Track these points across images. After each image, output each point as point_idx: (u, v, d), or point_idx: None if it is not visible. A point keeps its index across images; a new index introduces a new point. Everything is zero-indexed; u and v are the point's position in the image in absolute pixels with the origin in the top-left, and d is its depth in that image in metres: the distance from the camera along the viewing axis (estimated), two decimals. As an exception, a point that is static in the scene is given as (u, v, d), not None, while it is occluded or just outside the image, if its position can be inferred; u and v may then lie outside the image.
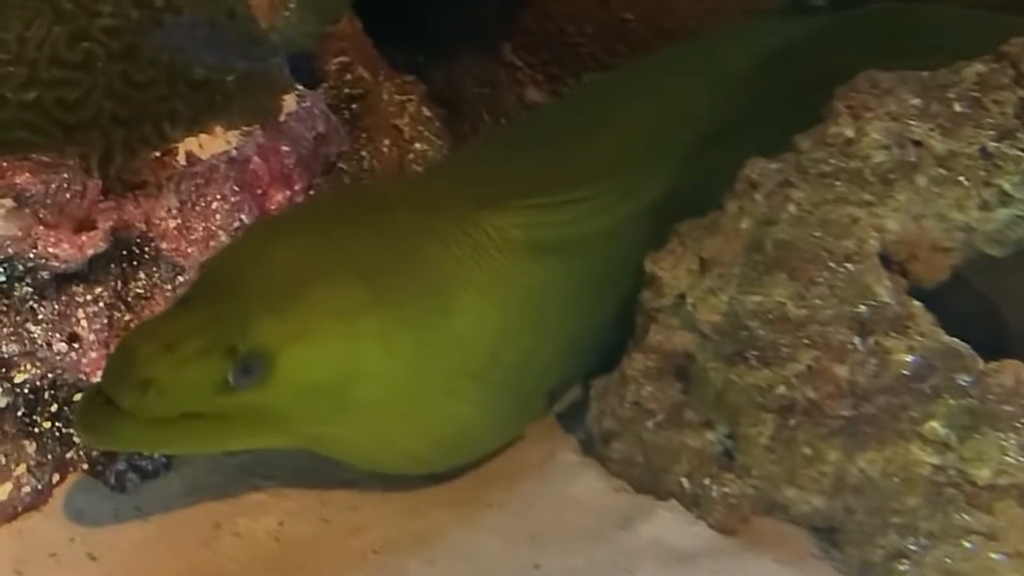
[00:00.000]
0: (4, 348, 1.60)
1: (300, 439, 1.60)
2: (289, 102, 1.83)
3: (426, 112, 2.25)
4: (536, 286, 1.70)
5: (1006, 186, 1.56)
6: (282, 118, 1.81)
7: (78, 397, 1.65)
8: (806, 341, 1.54)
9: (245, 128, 1.75)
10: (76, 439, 1.67)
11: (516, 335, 1.68)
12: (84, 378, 1.64)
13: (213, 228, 1.70)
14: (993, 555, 1.44)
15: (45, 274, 1.61)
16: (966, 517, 1.45)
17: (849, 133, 1.62)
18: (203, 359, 1.47)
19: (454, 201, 1.70)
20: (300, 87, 1.88)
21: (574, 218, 1.74)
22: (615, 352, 1.72)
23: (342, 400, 1.55)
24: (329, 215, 1.69)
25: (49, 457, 1.65)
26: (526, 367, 1.70)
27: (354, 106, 2.15)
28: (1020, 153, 1.56)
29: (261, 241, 1.62)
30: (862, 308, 1.54)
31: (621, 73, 2.23)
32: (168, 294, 1.68)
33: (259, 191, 1.75)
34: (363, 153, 2.14)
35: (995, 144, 1.57)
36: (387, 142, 2.18)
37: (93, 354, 1.64)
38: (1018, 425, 1.46)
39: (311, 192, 1.84)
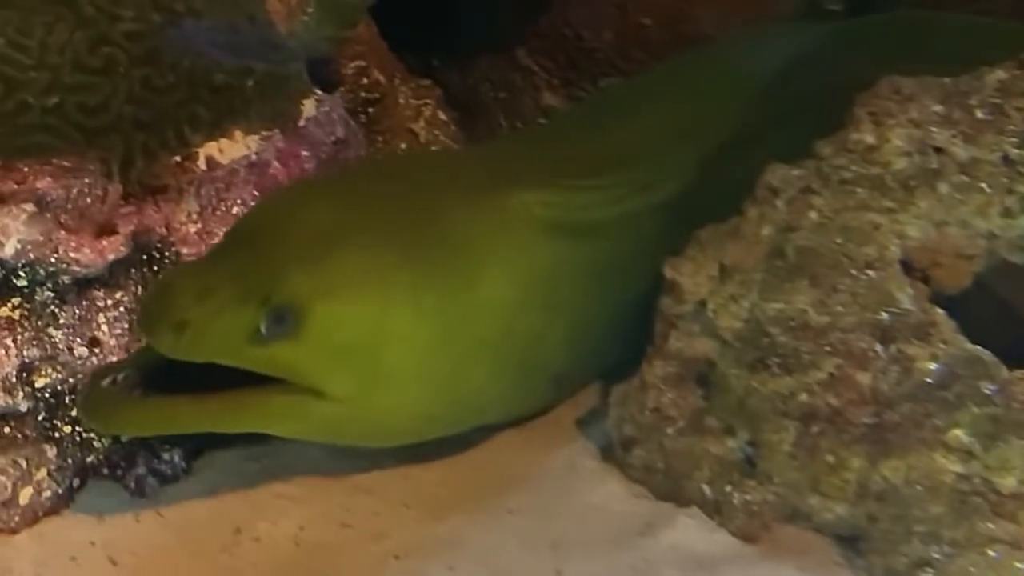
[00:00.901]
0: (25, 353, 1.60)
1: (318, 420, 1.59)
2: (308, 106, 1.83)
3: (442, 116, 2.25)
4: (552, 264, 1.73)
5: (1029, 193, 1.56)
6: (301, 123, 1.81)
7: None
8: (828, 348, 1.54)
9: (265, 133, 1.76)
10: (97, 443, 1.67)
11: (530, 310, 1.70)
12: (105, 383, 1.64)
13: (233, 232, 1.69)
14: (1018, 564, 1.43)
15: (66, 279, 1.61)
16: (990, 526, 1.44)
17: (871, 140, 1.62)
18: (238, 305, 1.51)
19: (481, 175, 1.75)
20: (319, 91, 1.88)
21: (592, 203, 1.77)
22: (630, 354, 1.73)
23: (370, 363, 1.57)
24: (360, 179, 1.75)
25: (70, 461, 1.65)
26: (536, 344, 1.71)
27: (370, 110, 2.15)
28: (1043, 160, 1.56)
29: (293, 200, 1.66)
30: (884, 315, 1.54)
31: (646, 75, 2.24)
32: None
33: (279, 195, 1.75)
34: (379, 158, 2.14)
35: (1017, 151, 1.56)
36: (403, 146, 2.18)
37: (113, 358, 1.64)
38: (1043, 434, 1.46)
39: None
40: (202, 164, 1.69)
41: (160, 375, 1.56)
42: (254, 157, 1.73)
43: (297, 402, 1.57)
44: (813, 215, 1.60)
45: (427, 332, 1.61)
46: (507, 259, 1.68)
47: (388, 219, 1.62)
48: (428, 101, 2.23)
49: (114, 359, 1.64)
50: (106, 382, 1.57)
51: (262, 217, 1.65)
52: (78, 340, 1.63)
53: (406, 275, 1.59)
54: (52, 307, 1.62)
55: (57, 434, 1.65)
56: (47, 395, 1.63)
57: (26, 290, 1.60)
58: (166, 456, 1.69)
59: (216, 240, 1.68)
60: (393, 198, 1.66)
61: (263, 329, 1.52)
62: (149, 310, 1.55)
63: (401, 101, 2.21)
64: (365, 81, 2.17)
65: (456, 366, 1.64)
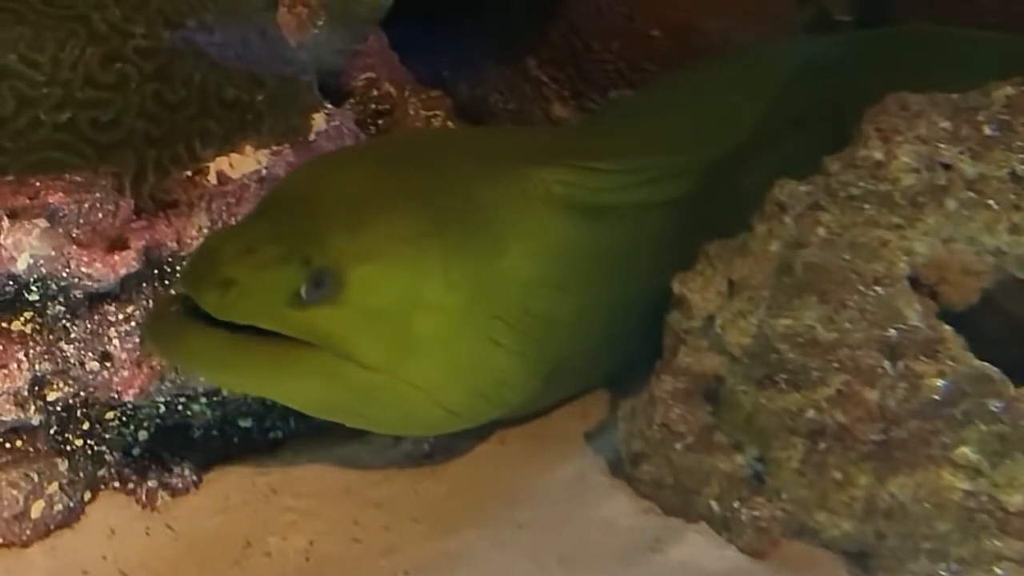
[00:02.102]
0: (37, 367, 1.61)
1: (346, 386, 1.59)
2: (319, 121, 1.84)
3: (452, 127, 2.25)
4: (566, 245, 1.74)
5: (1036, 210, 1.56)
6: (312, 137, 1.82)
7: (110, 415, 1.67)
8: (836, 365, 1.54)
9: (275, 147, 1.76)
10: (108, 457, 1.68)
11: (546, 289, 1.71)
12: (116, 396, 1.65)
13: (244, 248, 1.70)
14: (1025, 581, 1.44)
15: (78, 293, 1.62)
16: (998, 543, 1.44)
17: (879, 156, 1.62)
18: (281, 265, 1.52)
19: (505, 153, 1.78)
20: (329, 105, 1.88)
21: (607, 186, 1.78)
22: (634, 359, 1.76)
23: (402, 331, 1.58)
24: (389, 152, 1.78)
25: (81, 475, 1.66)
26: (549, 326, 1.71)
27: (380, 121, 2.15)
28: (1050, 177, 1.56)
29: (329, 168, 1.69)
30: (892, 332, 1.54)
31: (665, 82, 2.27)
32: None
33: (289, 211, 1.75)
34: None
35: (1025, 167, 1.57)
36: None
37: (125, 373, 1.65)
38: (1050, 451, 1.46)
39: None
40: (213, 179, 1.70)
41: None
42: (264, 172, 1.73)
43: (330, 363, 1.56)
44: (821, 231, 1.61)
45: (455, 302, 1.62)
46: (527, 234, 1.70)
47: (419, 189, 1.65)
48: (438, 112, 2.23)
49: (125, 373, 1.64)
50: (173, 308, 1.56)
51: (299, 184, 1.66)
52: (90, 354, 1.63)
53: (439, 243, 1.61)
54: (64, 321, 1.62)
55: (68, 448, 1.66)
56: (58, 409, 1.64)
57: (38, 304, 1.61)
58: (177, 469, 1.70)
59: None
60: (420, 169, 1.68)
61: (303, 292, 1.53)
62: (194, 268, 1.56)
63: (411, 112, 2.21)
64: (375, 92, 2.17)
65: (476, 343, 1.65)
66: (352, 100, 2.13)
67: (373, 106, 2.16)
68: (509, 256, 1.68)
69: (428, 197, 1.64)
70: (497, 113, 2.50)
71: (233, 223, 1.69)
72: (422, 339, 1.60)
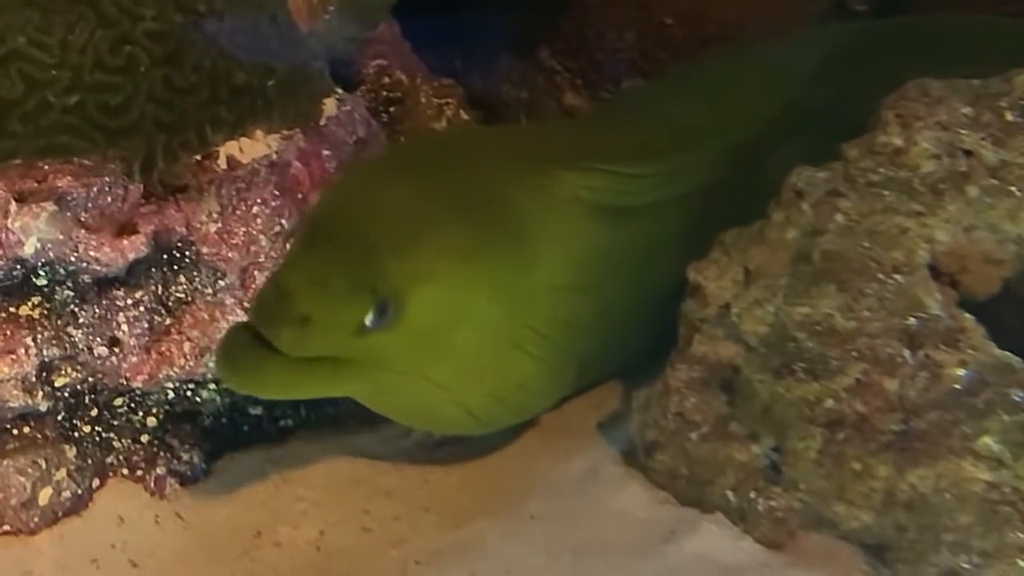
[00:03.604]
0: (45, 352, 1.60)
1: (381, 388, 1.61)
2: (330, 106, 1.82)
3: (464, 116, 2.24)
4: (593, 246, 1.74)
5: (1059, 197, 1.53)
6: (323, 122, 1.81)
7: (119, 401, 1.65)
8: (855, 354, 1.52)
9: (286, 132, 1.75)
10: (116, 444, 1.67)
11: (572, 293, 1.71)
12: (125, 382, 1.65)
13: (254, 232, 1.69)
14: (1048, 574, 1.42)
15: (86, 278, 1.60)
16: (1021, 536, 1.42)
17: (898, 142, 1.60)
18: (353, 299, 1.53)
19: (534, 156, 1.76)
20: (340, 91, 1.87)
21: (632, 189, 1.78)
22: (651, 350, 1.74)
23: (445, 343, 1.59)
24: (424, 158, 1.75)
25: (89, 462, 1.65)
26: (572, 329, 1.71)
27: (392, 109, 2.14)
28: (1073, 163, 1.53)
29: (370, 182, 1.67)
30: (912, 321, 1.52)
31: (682, 71, 2.24)
32: (209, 298, 1.67)
33: (300, 195, 1.74)
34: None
35: (1048, 154, 1.55)
36: (429, 136, 2.17)
37: (134, 358, 1.64)
38: (1073, 442, 1.43)
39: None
40: (223, 164, 1.68)
41: None
42: (275, 157, 1.72)
43: (379, 375, 1.59)
44: (840, 218, 1.58)
45: (495, 314, 1.63)
46: (557, 240, 1.70)
47: (461, 199, 1.64)
48: (450, 100, 2.22)
49: (133, 359, 1.63)
50: (247, 338, 1.55)
51: (346, 200, 1.65)
52: (98, 339, 1.62)
53: (486, 258, 1.62)
54: (72, 306, 1.61)
55: (77, 434, 1.65)
56: (67, 395, 1.63)
57: (46, 289, 1.60)
58: (186, 457, 1.69)
59: (235, 240, 1.67)
60: (458, 179, 1.67)
61: (368, 322, 1.53)
62: (267, 305, 1.55)
63: (423, 100, 2.19)
64: (387, 80, 2.16)
65: (507, 351, 1.65)
66: (364, 88, 2.11)
67: (384, 94, 2.14)
68: (543, 265, 1.68)
69: (470, 209, 1.64)
70: (509, 103, 2.49)
71: (239, 214, 1.67)
72: (460, 348, 1.61)
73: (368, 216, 1.60)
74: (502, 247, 1.65)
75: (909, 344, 1.51)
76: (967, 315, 1.52)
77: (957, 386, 1.48)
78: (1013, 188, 1.55)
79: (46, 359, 1.60)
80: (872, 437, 1.49)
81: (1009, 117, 1.58)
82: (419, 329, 1.57)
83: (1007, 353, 1.49)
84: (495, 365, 1.65)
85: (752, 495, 1.56)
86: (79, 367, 1.62)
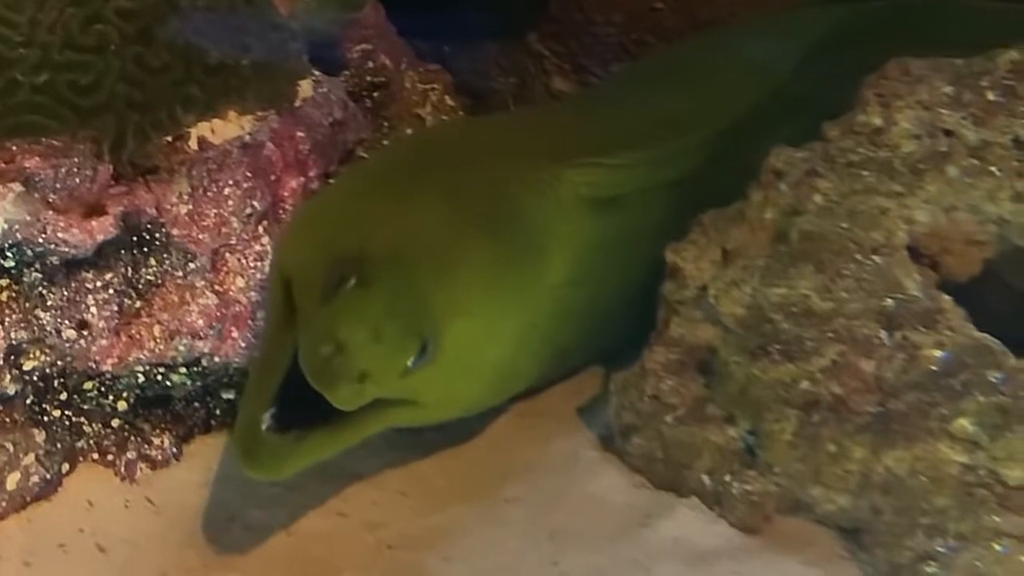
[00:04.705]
0: (13, 335, 1.58)
1: (405, 417, 1.58)
2: (305, 88, 1.80)
3: (449, 101, 2.22)
4: (589, 239, 1.73)
5: (1040, 177, 1.51)
6: (298, 104, 1.78)
7: (89, 385, 1.63)
8: (831, 335, 1.50)
9: (259, 113, 1.72)
10: (87, 428, 1.65)
11: (570, 287, 1.70)
12: (94, 366, 1.62)
13: (225, 214, 1.66)
14: (1025, 558, 1.39)
15: (54, 260, 1.58)
16: (997, 519, 1.40)
17: (878, 122, 1.59)
18: (403, 343, 1.48)
19: (535, 152, 1.75)
20: (317, 73, 1.85)
21: (628, 179, 1.77)
22: (634, 335, 1.72)
23: (473, 365, 1.58)
24: (427, 163, 1.71)
25: (59, 446, 1.63)
26: (564, 320, 1.70)
27: (376, 94, 2.11)
28: (1055, 143, 1.52)
29: (392, 201, 1.61)
30: (890, 302, 1.50)
31: (667, 54, 2.24)
32: (179, 281, 1.65)
33: (272, 177, 1.72)
34: (385, 142, 2.11)
35: (1029, 133, 1.53)
36: (409, 131, 2.15)
37: (103, 341, 1.62)
38: (1051, 423, 1.41)
39: (328, 179, 1.81)
40: (194, 145, 1.66)
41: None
42: (248, 138, 1.69)
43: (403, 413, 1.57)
44: (818, 199, 1.57)
45: (515, 328, 1.62)
46: (562, 241, 1.69)
47: (482, 218, 1.61)
48: (436, 86, 2.19)
49: (103, 342, 1.61)
50: (264, 428, 1.49)
51: (371, 222, 1.59)
52: (67, 322, 1.60)
53: (510, 280, 1.60)
54: (40, 289, 1.59)
55: (46, 418, 1.62)
56: (35, 378, 1.61)
57: (14, 271, 1.58)
58: (157, 441, 1.67)
59: (206, 222, 1.65)
60: (470, 186, 1.65)
61: (411, 363, 1.49)
62: (324, 365, 1.46)
63: (407, 86, 2.17)
64: (371, 65, 2.13)
65: (510, 350, 1.64)
66: (348, 72, 2.09)
67: (369, 78, 2.12)
68: (551, 265, 1.67)
69: (492, 225, 1.61)
70: (497, 88, 2.47)
71: (210, 195, 1.65)
72: (485, 365, 1.61)
73: (403, 244, 1.55)
74: (522, 261, 1.63)
75: (887, 325, 1.50)
76: (946, 296, 1.51)
77: (934, 368, 1.46)
78: (994, 168, 1.54)
79: (14, 342, 1.58)
80: (848, 419, 1.48)
81: (991, 96, 1.57)
82: (452, 358, 1.54)
83: (985, 335, 1.47)
84: (505, 368, 1.64)
85: (728, 478, 1.55)
86: (48, 350, 1.60)
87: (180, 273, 1.65)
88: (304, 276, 1.55)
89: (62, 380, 1.62)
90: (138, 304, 1.64)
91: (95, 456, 1.66)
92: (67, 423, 1.64)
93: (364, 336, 1.46)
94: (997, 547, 1.40)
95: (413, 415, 1.58)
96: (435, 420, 1.65)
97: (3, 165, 1.55)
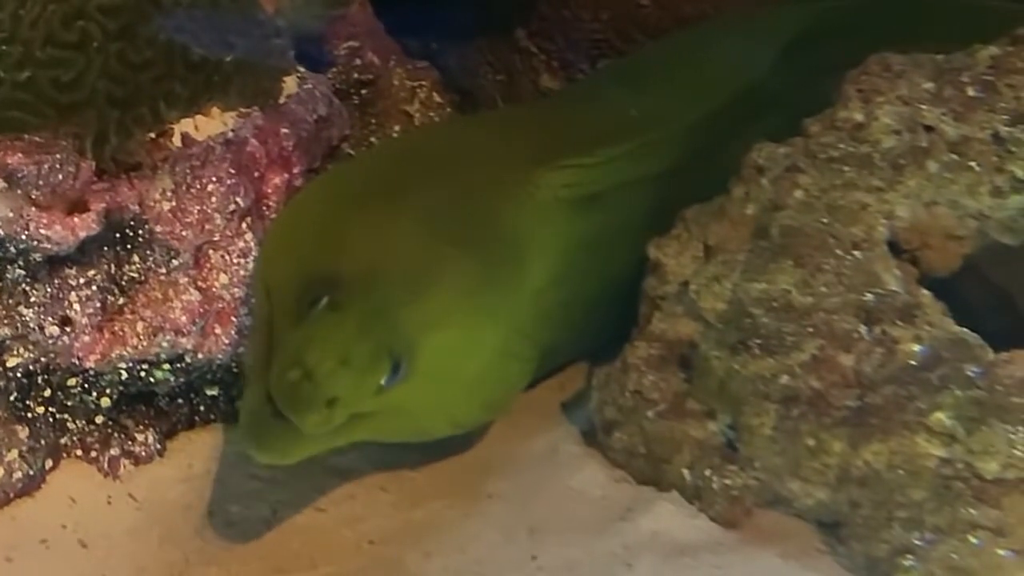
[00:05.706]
0: (-5, 331, 1.58)
1: (386, 429, 1.58)
2: (290, 84, 1.80)
3: (437, 98, 2.22)
4: (569, 239, 1.73)
5: (1019, 172, 1.52)
6: (282, 100, 1.78)
7: (72, 382, 1.63)
8: (811, 330, 1.51)
9: (243, 110, 1.72)
10: (70, 424, 1.65)
11: (552, 289, 1.70)
12: (77, 362, 1.62)
13: (208, 211, 1.66)
14: (1000, 551, 1.40)
15: (37, 256, 1.58)
16: (973, 512, 1.41)
17: (859, 117, 1.59)
18: (373, 366, 1.48)
19: (512, 156, 1.74)
20: (302, 69, 1.84)
21: (605, 176, 1.76)
22: (618, 332, 1.72)
23: (452, 377, 1.57)
24: (403, 174, 1.69)
25: (42, 442, 1.63)
26: (547, 321, 1.70)
27: (363, 91, 2.12)
28: (1034, 138, 1.52)
29: (362, 214, 1.60)
30: (869, 296, 1.51)
31: (647, 51, 2.23)
32: (162, 277, 1.65)
33: (256, 173, 1.71)
34: (372, 139, 2.11)
35: (1008, 129, 1.54)
36: (397, 128, 2.15)
37: (86, 338, 1.62)
38: (1028, 417, 1.42)
39: (312, 175, 1.81)
40: (177, 141, 1.66)
41: None
42: (231, 134, 1.69)
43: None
44: (799, 194, 1.57)
45: (496, 337, 1.61)
46: (542, 245, 1.68)
47: (458, 231, 1.60)
48: (423, 83, 2.19)
49: (86, 338, 1.61)
50: (267, 413, 1.48)
51: (341, 237, 1.58)
52: (49, 319, 1.60)
53: (488, 290, 1.59)
54: (23, 285, 1.59)
55: (29, 414, 1.63)
56: (19, 375, 1.61)
57: (-4, 268, 1.58)
58: (140, 438, 1.67)
59: (189, 218, 1.64)
60: (445, 197, 1.64)
61: (383, 382, 1.49)
62: (292, 390, 1.45)
63: (395, 83, 2.17)
64: (358, 62, 2.13)
65: (498, 361, 1.63)
66: (335, 69, 2.09)
67: (356, 75, 2.12)
68: (533, 271, 1.66)
69: (468, 237, 1.60)
70: (486, 84, 2.46)
71: (193, 192, 1.65)
72: (465, 376, 1.59)
73: (376, 262, 1.54)
74: (501, 271, 1.62)
75: (866, 320, 1.50)
76: (925, 291, 1.51)
77: (912, 362, 1.47)
78: (974, 163, 1.54)
79: (-3, 338, 1.59)
80: (827, 413, 1.49)
81: (971, 92, 1.57)
82: (429, 373, 1.53)
83: (963, 329, 1.48)
84: (491, 378, 1.64)
85: (708, 473, 1.55)
86: (31, 347, 1.60)
87: (163, 270, 1.65)
88: (279, 290, 1.56)
89: (45, 376, 1.63)
90: (121, 301, 1.64)
91: (78, 452, 1.66)
92: (50, 419, 1.64)
93: (332, 362, 1.46)
94: (973, 540, 1.40)
95: (403, 424, 1.59)
96: (431, 431, 1.64)
97: (-15, 162, 1.56)
